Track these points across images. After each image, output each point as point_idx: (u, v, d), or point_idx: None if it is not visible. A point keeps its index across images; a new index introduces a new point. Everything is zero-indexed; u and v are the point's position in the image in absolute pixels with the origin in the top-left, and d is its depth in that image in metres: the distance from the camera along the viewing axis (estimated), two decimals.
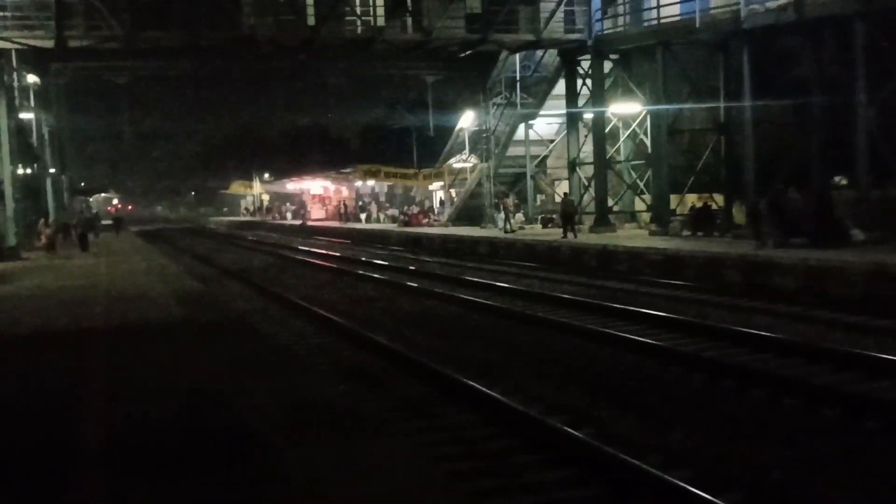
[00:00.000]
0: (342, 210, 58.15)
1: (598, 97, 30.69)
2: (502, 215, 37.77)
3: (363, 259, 30.64)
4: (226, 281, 24.09)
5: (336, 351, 12.91)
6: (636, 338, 12.59)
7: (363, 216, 56.64)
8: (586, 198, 32.67)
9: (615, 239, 26.64)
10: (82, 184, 71.24)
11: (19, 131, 33.89)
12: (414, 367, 11.23)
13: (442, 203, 47.85)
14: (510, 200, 33.42)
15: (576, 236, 28.04)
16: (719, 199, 28.24)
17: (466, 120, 41.94)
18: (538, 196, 41.54)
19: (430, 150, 53.72)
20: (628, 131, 32.16)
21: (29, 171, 38.47)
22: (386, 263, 28.41)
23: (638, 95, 30.59)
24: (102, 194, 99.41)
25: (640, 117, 31.37)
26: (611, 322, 14.46)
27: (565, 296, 17.75)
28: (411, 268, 26.68)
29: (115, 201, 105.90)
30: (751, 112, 24.92)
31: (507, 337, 13.80)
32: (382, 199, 58.06)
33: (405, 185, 53.04)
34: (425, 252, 33.68)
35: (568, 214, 29.04)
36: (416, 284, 21.26)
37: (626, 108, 30.68)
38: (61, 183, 48.86)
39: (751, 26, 24.56)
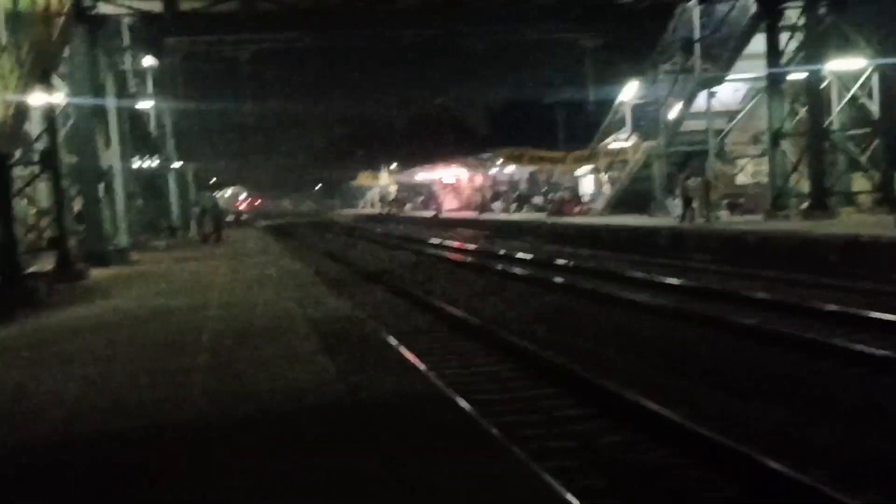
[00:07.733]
0: (481, 199, 53.56)
1: (813, 52, 24.82)
2: (678, 201, 32.31)
3: (521, 257, 25.79)
4: (377, 293, 19.38)
5: (587, 436, 8.03)
6: None
7: (496, 205, 52.11)
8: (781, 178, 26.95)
9: (858, 227, 20.78)
10: (213, 178, 69.20)
11: (135, 119, 30.54)
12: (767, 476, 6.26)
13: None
14: (713, 180, 27.98)
15: (692, 221, 27.09)
16: None
17: (628, 92, 36.54)
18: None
19: (575, 132, 48.54)
20: (848, 94, 26.11)
21: (148, 163, 35.27)
22: (554, 262, 23.49)
23: (863, 48, 24.64)
24: (230, 189, 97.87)
25: (864, 76, 25.42)
26: None
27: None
28: (588, 266, 21.72)
29: (244, 195, 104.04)
30: None
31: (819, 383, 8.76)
32: (523, 186, 53.12)
33: (549, 171, 48.06)
34: (590, 246, 28.55)
35: (688, 199, 28.14)
36: (614, 294, 16.25)
37: (850, 64, 24.75)
38: (186, 177, 45.86)
39: None
